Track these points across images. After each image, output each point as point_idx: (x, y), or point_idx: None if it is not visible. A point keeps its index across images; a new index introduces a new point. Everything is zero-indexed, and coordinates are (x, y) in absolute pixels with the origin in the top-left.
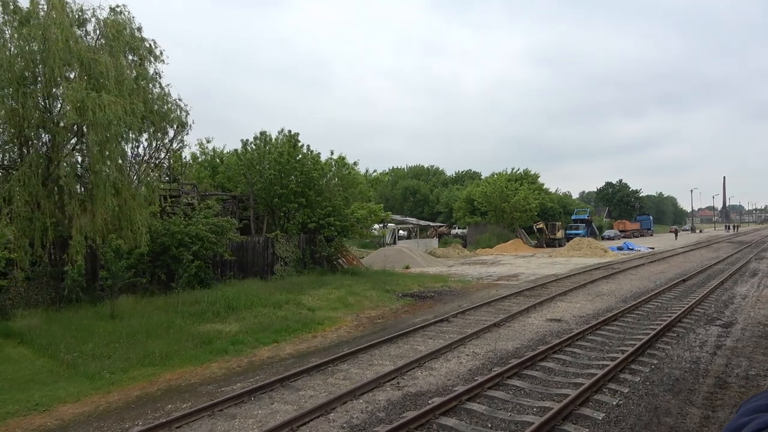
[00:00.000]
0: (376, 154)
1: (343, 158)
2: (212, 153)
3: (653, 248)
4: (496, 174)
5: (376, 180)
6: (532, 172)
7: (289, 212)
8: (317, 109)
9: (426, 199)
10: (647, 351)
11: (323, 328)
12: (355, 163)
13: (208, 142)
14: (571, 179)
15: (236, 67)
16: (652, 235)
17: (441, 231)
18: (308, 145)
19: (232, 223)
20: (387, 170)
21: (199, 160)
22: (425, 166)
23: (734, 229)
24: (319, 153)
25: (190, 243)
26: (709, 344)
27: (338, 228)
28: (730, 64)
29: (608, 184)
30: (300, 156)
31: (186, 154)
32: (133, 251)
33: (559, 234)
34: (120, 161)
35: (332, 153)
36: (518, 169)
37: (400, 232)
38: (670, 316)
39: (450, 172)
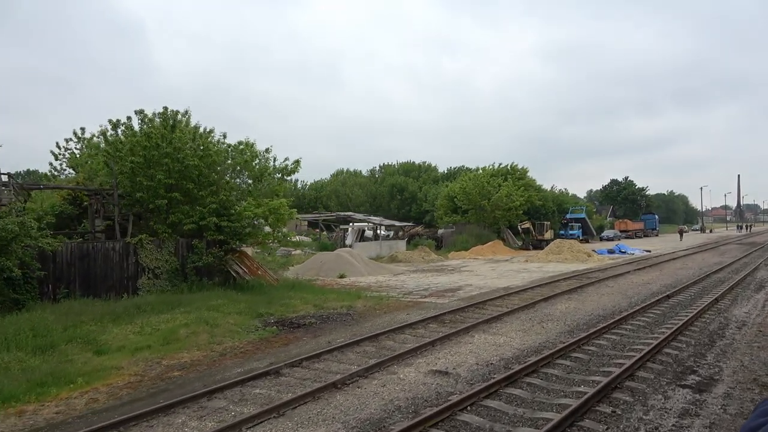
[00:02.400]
0: (388, 152)
1: (250, 144)
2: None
3: (650, 251)
4: (481, 169)
5: (285, 169)
6: (520, 167)
7: (160, 210)
8: (328, 107)
9: (414, 197)
10: None
11: (76, 387)
12: (267, 150)
13: (116, 127)
14: (583, 178)
15: (249, 64)
16: (657, 236)
17: (414, 232)
18: (197, 126)
19: (27, 225)
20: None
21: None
22: (416, 162)
23: (747, 228)
24: (211, 135)
25: None
26: None
27: (229, 230)
28: (749, 60)
29: (613, 182)
30: (174, 139)
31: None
32: None
33: (548, 234)
34: None
35: (225, 136)
36: (504, 164)
37: (368, 232)
38: (621, 365)
39: (446, 169)
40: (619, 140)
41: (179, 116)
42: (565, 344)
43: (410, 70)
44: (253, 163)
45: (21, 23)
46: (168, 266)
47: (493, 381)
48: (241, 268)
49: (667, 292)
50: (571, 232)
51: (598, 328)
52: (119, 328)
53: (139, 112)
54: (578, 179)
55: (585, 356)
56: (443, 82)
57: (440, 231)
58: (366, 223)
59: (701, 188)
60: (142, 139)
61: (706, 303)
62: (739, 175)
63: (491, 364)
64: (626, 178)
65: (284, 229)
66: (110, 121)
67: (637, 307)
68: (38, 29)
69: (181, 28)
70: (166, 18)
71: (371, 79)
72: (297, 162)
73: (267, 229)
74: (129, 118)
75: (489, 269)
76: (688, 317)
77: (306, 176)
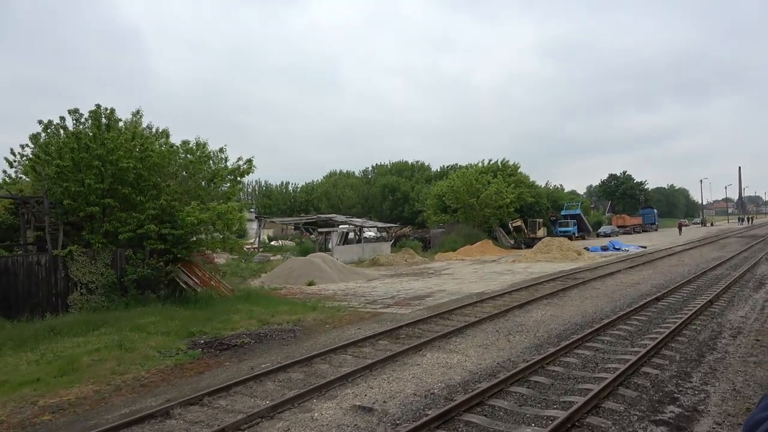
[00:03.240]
0: (388, 153)
1: (202, 144)
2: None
3: (645, 247)
4: (472, 166)
5: (236, 171)
6: (512, 163)
7: (93, 219)
8: (327, 109)
9: (406, 197)
10: None
11: None
12: (221, 150)
13: (47, 128)
14: (585, 174)
15: (246, 69)
16: (656, 230)
17: (401, 233)
18: (150, 127)
19: None
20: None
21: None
22: (409, 161)
23: (749, 221)
24: (151, 134)
25: None
26: None
27: (172, 238)
28: (750, 50)
29: (611, 177)
30: (107, 140)
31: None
32: None
33: (541, 233)
34: None
35: (158, 130)
36: (494, 160)
37: (351, 234)
38: (586, 391)
39: (439, 167)
40: (620, 135)
41: (132, 117)
42: (528, 363)
43: (408, 70)
44: (204, 165)
45: (14, 32)
46: (104, 280)
47: (423, 421)
48: (191, 278)
49: (658, 294)
50: (565, 229)
51: (571, 341)
52: (17, 356)
53: (73, 112)
54: (580, 176)
55: (547, 380)
56: (442, 82)
57: (432, 231)
58: (348, 225)
59: (701, 181)
60: (71, 140)
61: (699, 306)
62: (740, 167)
63: (432, 394)
64: (624, 172)
65: (234, 235)
66: (40, 121)
67: (621, 313)
68: (33, 38)
69: (178, 35)
70: (163, 25)
71: (370, 80)
72: (249, 162)
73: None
74: (63, 118)
75: (471, 271)
76: (676, 325)
77: (305, 179)
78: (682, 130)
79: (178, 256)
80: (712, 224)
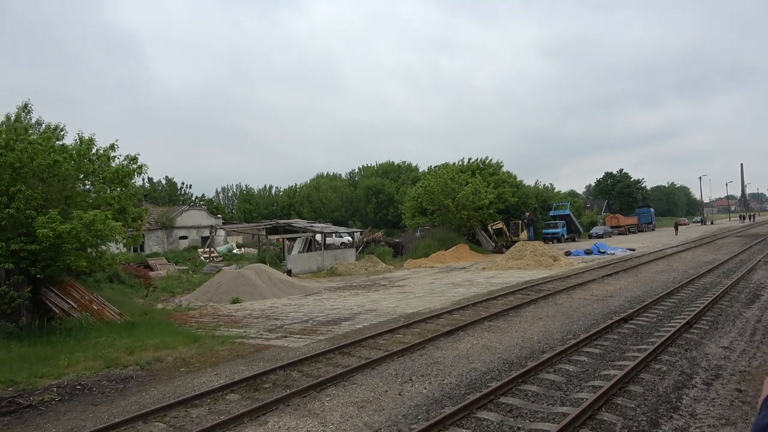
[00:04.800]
0: (389, 154)
1: (87, 140)
2: None
3: (634, 250)
4: (447, 165)
5: (120, 171)
6: (494, 162)
7: None
8: (328, 112)
9: (391, 199)
10: None
11: None
12: (112, 147)
13: None
14: (585, 173)
15: (248, 72)
16: (653, 230)
17: (372, 238)
18: (39, 122)
19: None
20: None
21: None
22: (396, 162)
23: (750, 219)
24: (56, 133)
25: None
26: None
27: (28, 254)
28: (753, 47)
29: (607, 175)
30: None
31: None
32: None
33: (523, 235)
34: None
35: (50, 127)
36: (474, 159)
37: (330, 239)
38: None
39: (427, 168)
40: (622, 134)
41: (21, 113)
42: None
43: (409, 70)
44: (71, 165)
45: (11, 38)
46: None
47: None
48: (66, 302)
49: (628, 312)
50: (553, 230)
51: (482, 393)
52: None
53: None
54: (581, 175)
55: None
56: (442, 82)
57: (406, 235)
58: (308, 233)
59: (700, 178)
60: None
61: (673, 330)
62: (742, 164)
63: None
64: (621, 170)
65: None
66: None
67: (571, 342)
68: (29, 44)
69: (177, 38)
70: (162, 28)
71: (370, 81)
72: (134, 159)
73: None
74: None
75: (428, 282)
76: (636, 362)
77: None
78: (685, 128)
79: (38, 276)
80: (712, 222)
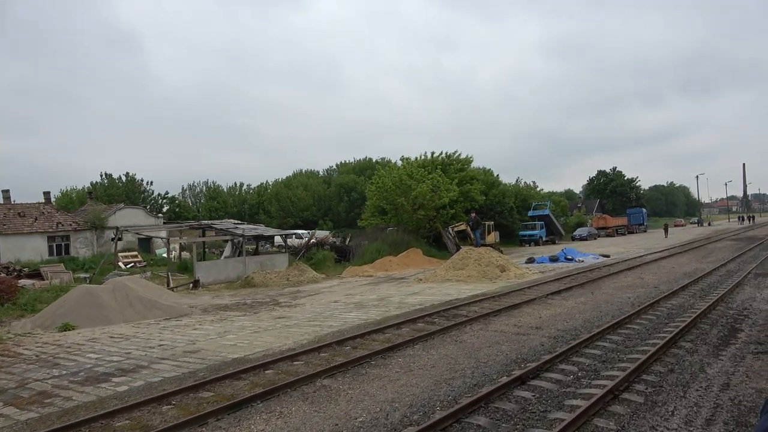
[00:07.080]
0: (388, 155)
1: None
2: None
3: (609, 256)
4: (405, 159)
5: None
6: (462, 156)
7: None
8: (330, 110)
9: (364, 198)
10: None
11: None
12: None
13: None
14: (586, 173)
15: (249, 70)
16: (645, 232)
17: (319, 240)
18: None
19: None
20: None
21: None
22: (373, 159)
23: (749, 220)
24: None
25: None
26: None
27: None
28: (759, 47)
29: (600, 173)
30: None
31: None
32: None
33: (491, 238)
34: None
35: None
36: (440, 153)
37: (279, 239)
38: None
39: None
40: (625, 134)
41: None
42: None
43: (411, 69)
44: None
45: (13, 34)
46: None
47: None
48: None
49: (540, 361)
50: (531, 232)
51: None
52: None
53: None
54: (584, 175)
55: None
56: (445, 82)
57: (355, 239)
58: (236, 235)
59: (697, 177)
60: None
61: (591, 402)
62: (744, 164)
63: None
64: (614, 168)
65: None
66: None
67: (424, 425)
68: (32, 40)
69: (179, 36)
70: (164, 26)
71: (373, 80)
72: None
73: None
74: None
75: (333, 301)
76: None
77: None
78: (689, 127)
79: None
80: (709, 224)
